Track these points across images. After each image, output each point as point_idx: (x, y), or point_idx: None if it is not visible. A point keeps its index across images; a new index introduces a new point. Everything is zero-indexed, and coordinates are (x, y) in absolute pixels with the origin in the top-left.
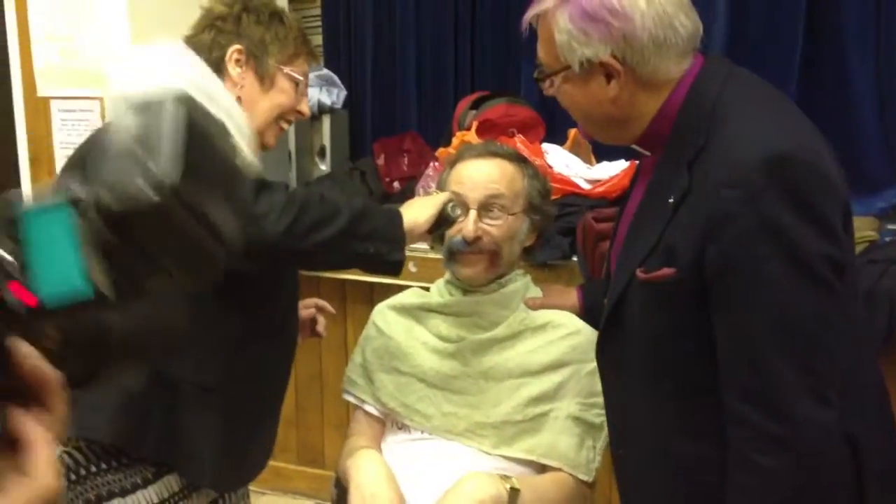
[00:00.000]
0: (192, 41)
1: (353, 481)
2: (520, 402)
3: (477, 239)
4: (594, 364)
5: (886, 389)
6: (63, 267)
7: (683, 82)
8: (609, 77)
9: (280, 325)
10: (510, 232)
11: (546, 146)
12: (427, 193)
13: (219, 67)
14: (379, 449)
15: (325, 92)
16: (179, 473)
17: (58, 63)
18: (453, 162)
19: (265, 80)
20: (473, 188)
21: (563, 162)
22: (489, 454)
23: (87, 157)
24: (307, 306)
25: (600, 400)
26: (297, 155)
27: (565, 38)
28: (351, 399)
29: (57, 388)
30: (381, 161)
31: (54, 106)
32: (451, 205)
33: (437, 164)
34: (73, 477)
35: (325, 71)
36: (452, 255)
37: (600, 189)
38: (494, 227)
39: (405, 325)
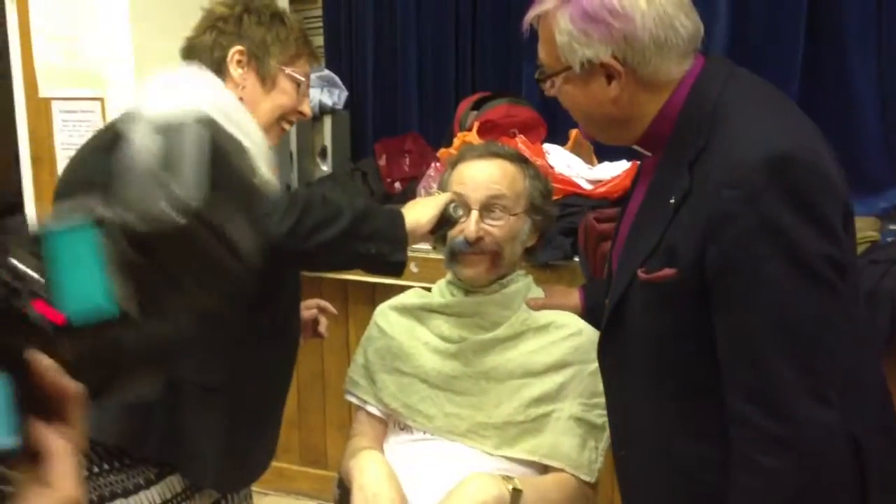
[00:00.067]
0: (194, 42)
1: (356, 482)
2: (522, 403)
3: (479, 239)
4: (596, 364)
5: (888, 390)
6: (89, 285)
7: (684, 83)
8: (610, 78)
9: (282, 326)
10: (512, 232)
11: (547, 146)
12: (428, 194)
13: (220, 68)
14: (381, 450)
15: (326, 93)
16: (182, 474)
17: (59, 64)
18: (455, 162)
19: (267, 80)
20: (475, 189)
21: (564, 162)
22: (491, 455)
23: (98, 172)
24: (309, 307)
25: (602, 400)
26: (299, 156)
27: (566, 38)
28: (353, 400)
29: (78, 400)
30: (382, 162)
31: (55, 107)
32: (452, 205)
33: (438, 164)
34: None
35: (327, 72)
36: (454, 256)
37: (602, 189)
38: (496, 227)
39: (407, 326)
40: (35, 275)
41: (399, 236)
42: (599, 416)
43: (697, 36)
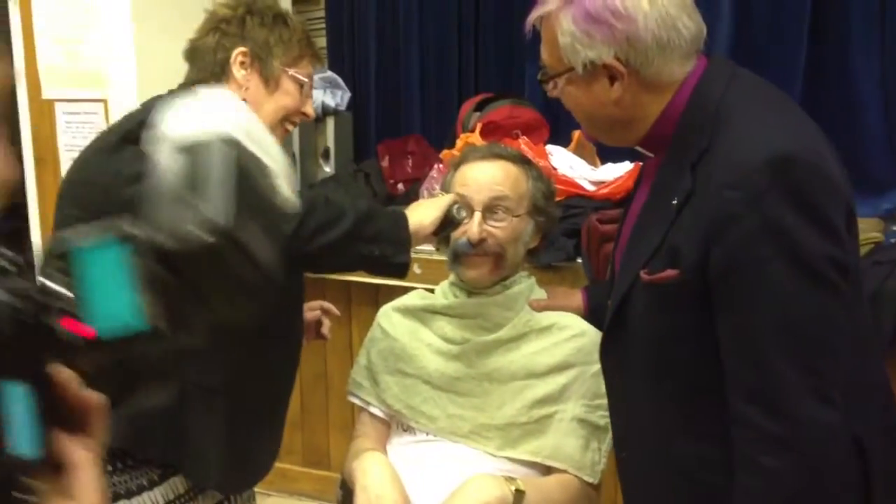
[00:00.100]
0: (197, 44)
1: (359, 483)
2: (525, 404)
3: (481, 241)
4: (599, 366)
5: (892, 391)
6: (117, 301)
7: (687, 84)
8: (612, 79)
9: (285, 328)
10: (514, 234)
11: (550, 148)
12: (431, 195)
13: (223, 70)
14: (384, 451)
15: (329, 94)
16: (185, 475)
17: (62, 65)
18: (457, 164)
19: (270, 81)
20: (478, 190)
21: (567, 164)
22: (494, 456)
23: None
24: (312, 308)
25: (605, 402)
26: (302, 157)
27: (568, 40)
28: (356, 401)
29: (100, 411)
30: (385, 163)
31: (59, 108)
32: (456, 207)
33: (441, 165)
34: None
35: (329, 73)
36: (457, 258)
37: (604, 191)
38: (499, 228)
39: (410, 327)
40: (64, 291)
41: (402, 238)
42: (602, 418)
43: (700, 37)
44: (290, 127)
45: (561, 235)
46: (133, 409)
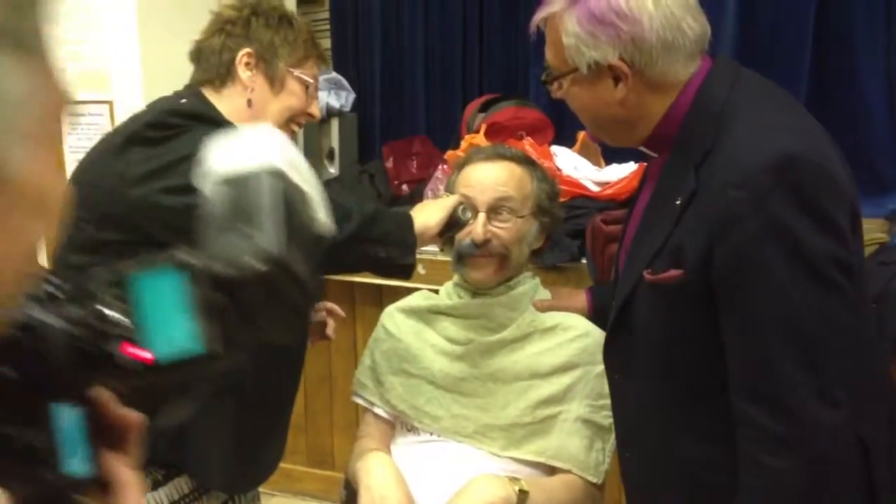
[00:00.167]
0: (202, 45)
1: (363, 483)
2: (529, 405)
3: (486, 241)
4: (603, 366)
5: None
6: (175, 326)
7: (691, 84)
8: (617, 79)
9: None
10: (519, 234)
11: (555, 148)
12: (436, 196)
13: (229, 71)
14: (388, 451)
15: (333, 95)
16: (189, 476)
17: (67, 67)
18: (461, 165)
19: (275, 82)
20: (482, 191)
21: (571, 164)
22: (498, 456)
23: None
24: (317, 309)
25: (609, 402)
26: (306, 158)
27: (573, 41)
28: (360, 401)
29: (140, 430)
30: (389, 164)
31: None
32: (461, 208)
33: (445, 166)
34: None
35: (334, 74)
36: (461, 259)
37: (609, 191)
38: (503, 229)
39: (414, 328)
40: (121, 318)
41: (408, 239)
42: (606, 418)
43: (704, 37)
44: (295, 128)
45: (565, 236)
46: (158, 424)
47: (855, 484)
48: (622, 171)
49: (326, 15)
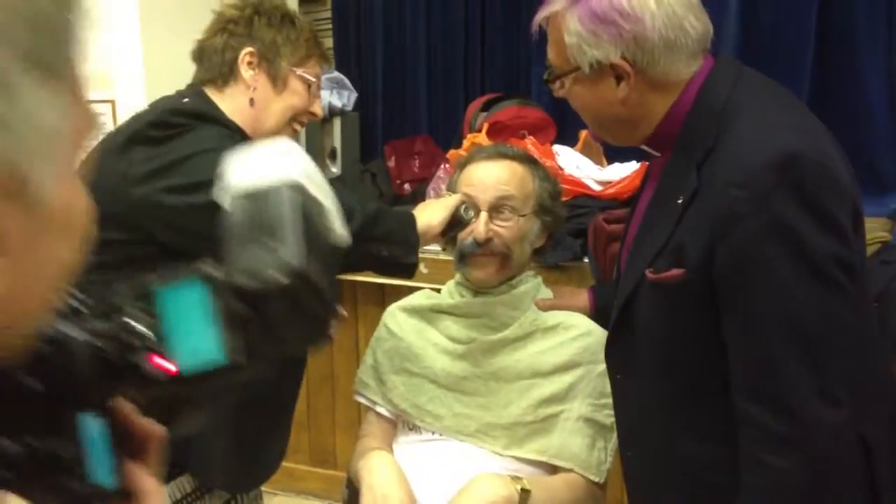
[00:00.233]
0: (204, 44)
1: (365, 482)
2: (531, 403)
3: (488, 240)
4: (605, 365)
5: None
6: (200, 338)
7: (693, 83)
8: (619, 78)
9: None
10: (520, 233)
11: (557, 148)
12: (438, 195)
13: (231, 70)
14: (390, 450)
15: (335, 94)
16: (192, 475)
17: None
18: (463, 164)
19: (278, 81)
20: (484, 190)
21: (573, 163)
22: (500, 455)
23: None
24: None
25: (611, 401)
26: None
27: (575, 40)
28: (362, 401)
29: (161, 442)
30: (391, 163)
31: None
32: (463, 207)
33: (447, 166)
34: None
35: (336, 73)
36: (463, 258)
37: (611, 190)
38: (505, 228)
39: (416, 327)
40: (147, 330)
41: (411, 239)
42: (608, 417)
43: (707, 36)
44: (297, 127)
45: (567, 235)
46: (175, 434)
47: (857, 483)
48: (624, 171)
49: (329, 14)
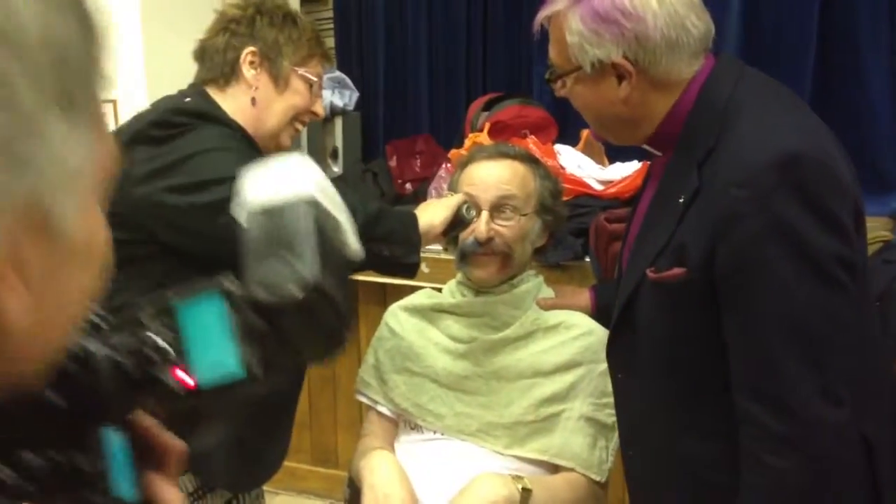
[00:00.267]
0: (206, 44)
1: (367, 482)
2: (532, 403)
3: (489, 239)
4: (606, 364)
5: None
6: (218, 352)
7: (695, 82)
8: (620, 78)
9: None
10: (522, 232)
11: (558, 147)
12: (439, 195)
13: (233, 69)
14: (392, 449)
15: (337, 94)
16: (193, 474)
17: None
18: (464, 163)
19: (279, 81)
20: (485, 189)
21: (575, 163)
22: (502, 454)
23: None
24: None
25: (612, 400)
26: (310, 157)
27: (577, 39)
28: (364, 400)
29: (181, 456)
30: (393, 163)
31: None
32: (465, 207)
33: (449, 165)
34: None
35: (338, 73)
36: (465, 257)
37: (613, 190)
38: (506, 227)
39: (418, 326)
40: (167, 345)
41: (413, 238)
42: (609, 416)
43: (708, 35)
44: (299, 126)
45: (569, 234)
46: (193, 447)
47: (858, 482)
48: (626, 170)
49: (330, 14)
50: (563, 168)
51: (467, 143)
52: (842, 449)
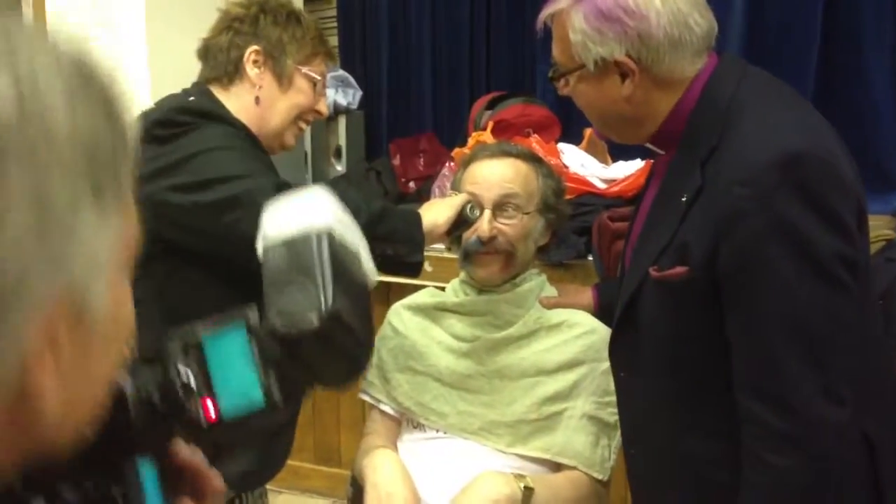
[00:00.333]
0: (209, 43)
1: (370, 480)
2: (535, 401)
3: (492, 238)
4: (609, 363)
5: None
6: (241, 384)
7: (698, 81)
8: (623, 76)
9: None
10: (524, 231)
11: (562, 146)
12: (443, 194)
13: (237, 68)
14: (395, 448)
15: (340, 93)
16: None
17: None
18: (467, 162)
19: (283, 80)
20: (488, 188)
21: (578, 161)
22: (504, 453)
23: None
24: None
25: (615, 398)
26: (313, 155)
27: (580, 37)
28: (367, 399)
29: (217, 492)
30: (396, 161)
31: None
32: (469, 206)
33: (452, 164)
34: None
35: (341, 72)
36: (468, 257)
37: (616, 188)
38: (509, 226)
39: (421, 325)
40: (193, 377)
41: (416, 237)
42: (612, 415)
43: (711, 34)
44: (303, 125)
45: (572, 233)
46: (224, 472)
47: (860, 482)
48: (629, 169)
49: (334, 12)
50: (566, 167)
51: (470, 141)
52: (843, 448)
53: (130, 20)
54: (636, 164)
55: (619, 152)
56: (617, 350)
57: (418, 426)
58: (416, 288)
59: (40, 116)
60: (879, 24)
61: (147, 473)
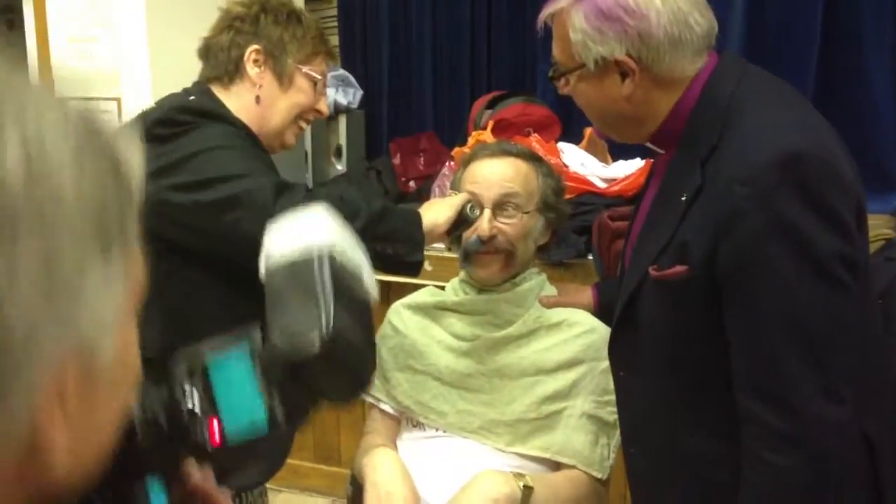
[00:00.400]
0: (210, 42)
1: (369, 479)
2: (534, 400)
3: (491, 237)
4: (608, 362)
5: None
6: (245, 406)
7: (698, 80)
8: (624, 75)
9: None
10: (524, 230)
11: (562, 145)
12: (443, 193)
13: (237, 67)
14: (394, 447)
15: (341, 92)
16: None
17: (76, 64)
18: (467, 161)
19: (284, 79)
20: (488, 187)
21: (578, 161)
22: (504, 452)
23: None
24: None
25: (614, 398)
26: (314, 155)
27: (580, 36)
28: (367, 397)
29: None
30: (397, 161)
31: None
32: (469, 206)
33: (452, 163)
34: None
35: (342, 71)
36: (468, 256)
37: (616, 188)
38: (509, 225)
39: (421, 324)
40: (202, 401)
41: (416, 237)
42: (611, 414)
43: (711, 33)
44: (303, 124)
45: (572, 232)
46: (230, 486)
47: (860, 481)
48: (629, 168)
49: (334, 12)
50: (566, 166)
51: (471, 140)
52: (843, 448)
53: (131, 20)
54: (636, 164)
55: (619, 151)
56: (616, 349)
57: (418, 425)
58: (416, 287)
59: (48, 178)
60: (879, 24)
61: (157, 495)
